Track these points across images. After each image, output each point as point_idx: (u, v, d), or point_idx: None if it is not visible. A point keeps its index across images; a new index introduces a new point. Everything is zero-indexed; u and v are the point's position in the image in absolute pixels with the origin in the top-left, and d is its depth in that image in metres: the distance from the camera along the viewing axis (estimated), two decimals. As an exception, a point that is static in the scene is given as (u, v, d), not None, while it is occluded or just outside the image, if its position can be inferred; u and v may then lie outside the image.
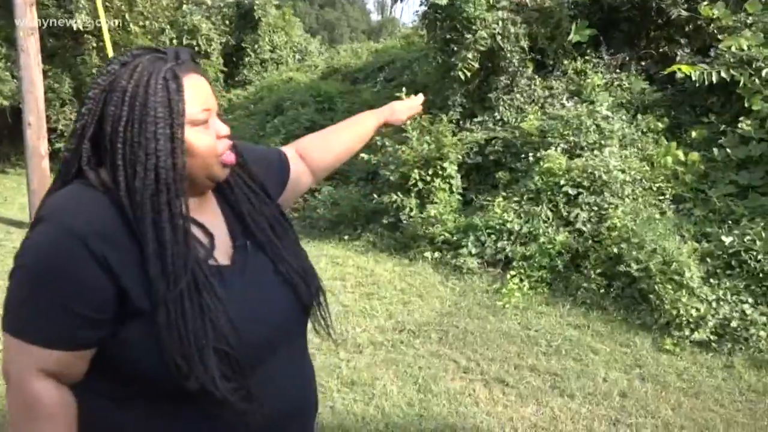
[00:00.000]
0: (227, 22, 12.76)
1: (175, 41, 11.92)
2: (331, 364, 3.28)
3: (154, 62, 0.98)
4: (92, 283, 0.92)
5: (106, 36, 5.48)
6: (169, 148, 0.96)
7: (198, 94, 1.00)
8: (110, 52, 5.43)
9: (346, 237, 5.57)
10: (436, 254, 4.89)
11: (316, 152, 1.39)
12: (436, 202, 5.19)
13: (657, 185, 4.81)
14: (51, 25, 9.79)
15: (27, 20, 6.26)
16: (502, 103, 6.07)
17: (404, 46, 10.51)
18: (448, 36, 6.17)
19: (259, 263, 1.09)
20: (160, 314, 0.93)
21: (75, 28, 9.98)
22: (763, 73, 4.93)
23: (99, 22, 9.12)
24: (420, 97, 1.57)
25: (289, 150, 1.38)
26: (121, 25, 10.23)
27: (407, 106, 1.54)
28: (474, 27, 5.91)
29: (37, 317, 0.94)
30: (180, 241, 0.95)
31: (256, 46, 12.52)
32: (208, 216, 1.08)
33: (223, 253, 1.05)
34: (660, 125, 5.37)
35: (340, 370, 3.22)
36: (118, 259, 0.93)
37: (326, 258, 5.04)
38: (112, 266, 0.92)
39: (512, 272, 4.36)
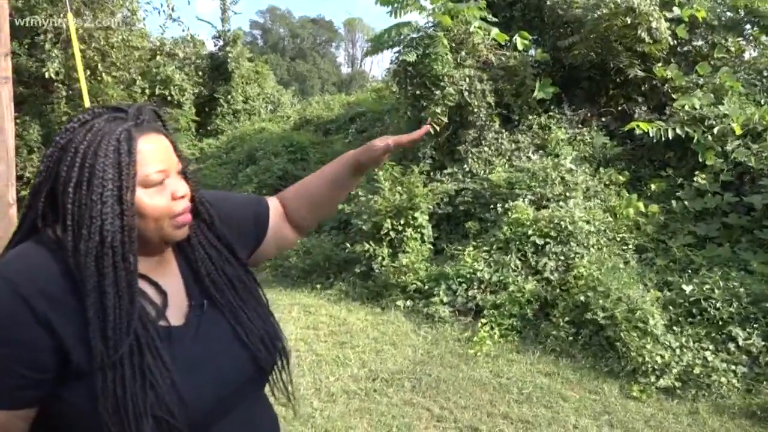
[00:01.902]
0: (200, 73, 12.96)
1: (147, 91, 12.02)
2: (305, 414, 3.26)
3: (111, 122, 0.98)
4: (32, 342, 0.90)
5: (83, 83, 5.54)
6: (117, 211, 0.95)
7: (154, 155, 0.99)
8: (86, 99, 5.48)
9: (318, 286, 5.59)
10: (408, 303, 4.95)
11: (295, 204, 1.34)
12: (407, 252, 5.28)
13: (620, 235, 4.99)
14: (22, 73, 9.83)
15: (2, 69, 6.29)
16: (471, 155, 6.27)
17: (375, 99, 10.79)
18: (417, 92, 6.40)
19: (215, 324, 1.06)
20: (97, 379, 0.90)
21: (47, 77, 10.03)
22: (715, 131, 5.24)
23: (73, 72, 9.20)
24: (422, 129, 1.34)
25: (274, 201, 1.35)
26: (92, 74, 10.32)
27: (389, 138, 1.30)
28: (442, 83, 6.16)
29: None
30: (124, 305, 0.93)
31: (228, 96, 12.71)
32: (165, 275, 1.06)
33: (177, 313, 1.04)
34: (621, 178, 5.62)
35: (314, 420, 3.21)
36: (62, 319, 0.90)
37: (299, 307, 5.04)
38: (54, 327, 0.90)
39: (483, 320, 4.43)
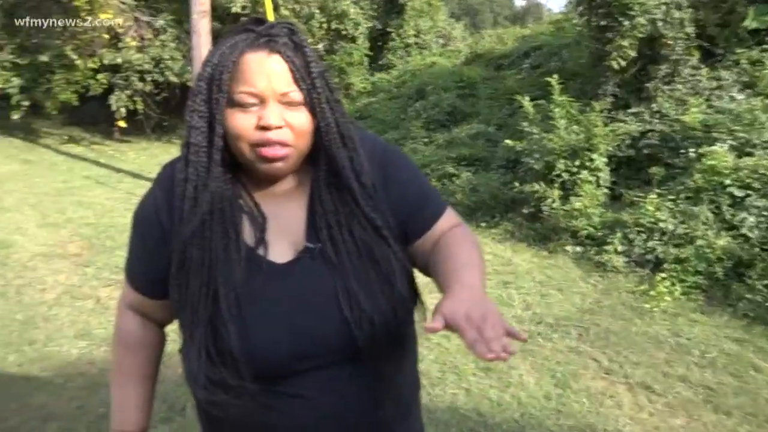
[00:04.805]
0: (375, 6, 13.04)
1: (324, 25, 12.38)
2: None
3: (236, 35, 0.96)
4: (154, 246, 1.01)
5: (270, 17, 5.82)
6: (205, 120, 0.95)
7: (251, 75, 0.92)
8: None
9: (483, 224, 5.51)
10: (578, 249, 4.70)
11: (432, 252, 1.05)
12: (581, 195, 4.98)
13: (844, 192, 4.25)
14: (216, 9, 10.60)
15: (200, 3, 6.82)
16: (661, 93, 5.66)
17: (553, 32, 10.13)
18: (603, 23, 5.86)
19: (318, 281, 0.96)
20: (169, 283, 0.99)
21: (234, 11, 10.69)
22: None
23: (258, 7, 9.73)
24: (498, 329, 0.77)
25: (449, 221, 1.11)
26: (274, 9, 10.83)
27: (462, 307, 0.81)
28: (632, 13, 5.57)
29: (128, 261, 1.09)
30: (197, 212, 0.94)
31: (401, 30, 12.70)
32: (288, 209, 1.01)
33: (284, 250, 0.98)
34: None
35: (476, 355, 3.21)
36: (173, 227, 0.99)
37: (462, 243, 5.02)
38: (169, 233, 0.99)
39: (662, 274, 4.07)
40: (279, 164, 0.95)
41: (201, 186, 0.95)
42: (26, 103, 8.65)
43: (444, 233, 1.06)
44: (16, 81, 8.46)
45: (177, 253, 0.96)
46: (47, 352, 3.27)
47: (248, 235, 0.98)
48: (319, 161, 0.99)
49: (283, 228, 0.99)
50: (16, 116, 8.66)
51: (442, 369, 3.07)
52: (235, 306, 0.92)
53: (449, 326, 0.77)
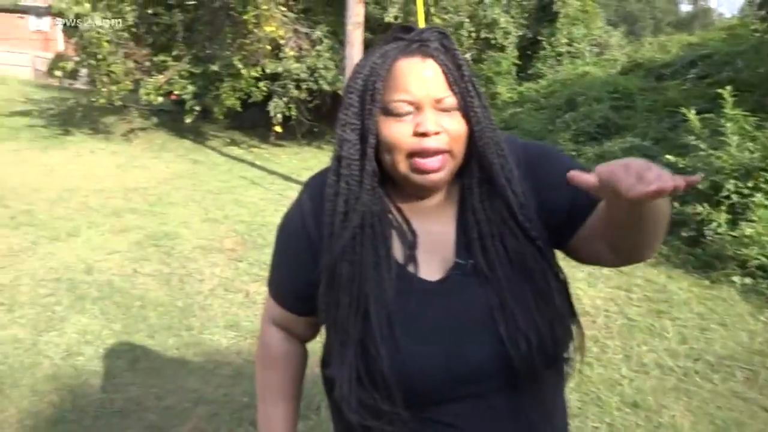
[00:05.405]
0: (526, 14, 12.76)
1: (473, 34, 12.32)
2: (611, 379, 3.05)
3: (387, 43, 0.93)
4: (300, 260, 0.99)
5: (422, 23, 5.88)
6: (358, 129, 0.92)
7: (405, 82, 0.89)
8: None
9: (634, 245, 5.12)
10: (747, 280, 4.19)
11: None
12: (753, 220, 4.44)
13: None
14: (368, 20, 10.97)
15: (355, 15, 7.09)
16: None
17: (725, 39, 9.23)
18: (790, 26, 5.21)
19: (472, 297, 0.91)
20: (320, 293, 0.94)
21: (387, 20, 10.99)
22: None
23: (409, 17, 9.92)
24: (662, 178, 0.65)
25: None
26: (425, 18, 10.96)
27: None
28: (830, 15, 4.88)
29: (273, 275, 1.08)
30: (346, 232, 0.91)
31: (552, 39, 12.32)
32: (438, 223, 0.97)
33: (435, 266, 0.94)
34: None
35: (622, 388, 2.97)
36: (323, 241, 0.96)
37: (610, 265, 4.70)
38: (317, 249, 0.96)
39: None
40: (435, 175, 0.91)
41: (353, 199, 0.93)
42: (198, 108, 9.53)
43: None
44: (191, 88, 9.36)
45: (327, 270, 0.93)
46: (201, 338, 3.54)
47: (398, 251, 0.94)
48: (471, 169, 0.95)
49: (432, 244, 0.96)
50: (188, 120, 9.57)
51: (583, 399, 2.87)
52: (387, 326, 0.88)
53: (604, 184, 0.70)
